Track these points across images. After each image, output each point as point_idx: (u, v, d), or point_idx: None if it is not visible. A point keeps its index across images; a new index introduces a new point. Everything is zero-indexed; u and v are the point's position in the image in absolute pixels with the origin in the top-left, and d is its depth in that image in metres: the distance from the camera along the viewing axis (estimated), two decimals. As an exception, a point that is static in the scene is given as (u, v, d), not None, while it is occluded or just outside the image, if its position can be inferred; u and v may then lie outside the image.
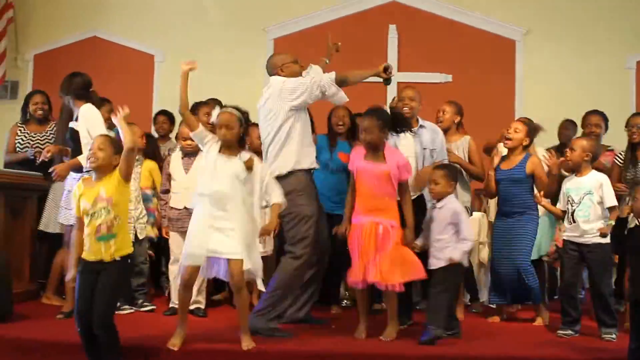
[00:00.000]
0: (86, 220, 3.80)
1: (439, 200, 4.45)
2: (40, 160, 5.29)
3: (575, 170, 4.69)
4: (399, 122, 4.47)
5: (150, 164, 5.55)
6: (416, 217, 4.48)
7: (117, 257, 3.77)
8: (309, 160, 4.65)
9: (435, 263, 4.36)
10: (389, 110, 4.58)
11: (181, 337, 4.06)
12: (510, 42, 7.98)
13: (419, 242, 4.47)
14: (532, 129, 5.03)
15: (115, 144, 3.88)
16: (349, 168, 4.55)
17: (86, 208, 3.79)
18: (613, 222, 4.55)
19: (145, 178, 5.48)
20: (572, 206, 4.63)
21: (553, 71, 7.79)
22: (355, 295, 4.66)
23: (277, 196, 4.22)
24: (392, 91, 7.84)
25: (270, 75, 4.77)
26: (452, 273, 4.36)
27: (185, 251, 4.13)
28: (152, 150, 5.73)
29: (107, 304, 3.79)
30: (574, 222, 4.61)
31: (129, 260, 3.93)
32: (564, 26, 7.90)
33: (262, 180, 4.21)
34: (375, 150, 4.38)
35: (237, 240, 4.03)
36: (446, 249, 4.34)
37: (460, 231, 4.35)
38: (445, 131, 5.36)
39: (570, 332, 4.62)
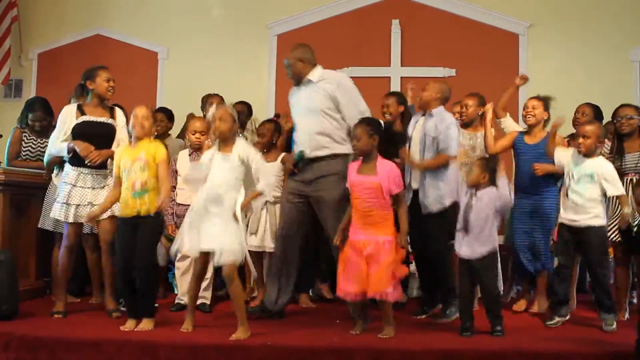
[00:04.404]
0: (124, 176, 4.45)
1: (475, 189, 4.44)
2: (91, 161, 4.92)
3: (587, 155, 4.70)
4: (392, 135, 4.50)
5: None
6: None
7: (151, 213, 4.37)
8: None
9: (473, 252, 4.39)
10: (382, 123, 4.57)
11: (191, 322, 4.38)
12: (514, 35, 7.94)
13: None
14: (548, 102, 5.19)
15: (154, 117, 4.69)
16: (346, 185, 4.49)
17: (126, 165, 4.43)
18: (628, 211, 4.59)
19: None
20: (569, 180, 4.67)
21: (556, 65, 7.75)
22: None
23: (260, 185, 4.37)
24: (395, 86, 7.87)
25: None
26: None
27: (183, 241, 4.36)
28: None
29: (147, 251, 4.44)
30: (567, 198, 4.66)
31: (161, 216, 4.57)
32: (567, 20, 7.86)
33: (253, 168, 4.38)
34: (367, 159, 4.36)
35: (224, 233, 4.19)
36: (490, 239, 4.40)
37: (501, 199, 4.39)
38: (470, 124, 5.49)
39: (557, 318, 4.68)
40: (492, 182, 4.47)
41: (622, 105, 5.37)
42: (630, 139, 5.18)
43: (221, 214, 4.22)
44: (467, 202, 4.46)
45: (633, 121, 5.18)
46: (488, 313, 4.44)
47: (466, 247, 4.42)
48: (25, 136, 5.83)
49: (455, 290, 4.76)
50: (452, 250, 4.58)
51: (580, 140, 4.69)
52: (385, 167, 4.32)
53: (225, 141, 4.37)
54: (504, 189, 4.39)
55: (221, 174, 4.29)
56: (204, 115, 5.87)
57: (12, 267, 4.70)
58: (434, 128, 4.86)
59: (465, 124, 5.51)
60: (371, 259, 4.22)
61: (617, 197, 4.69)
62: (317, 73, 4.87)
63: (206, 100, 6.09)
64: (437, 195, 4.80)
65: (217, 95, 6.11)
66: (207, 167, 4.34)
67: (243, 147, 4.39)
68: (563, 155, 4.78)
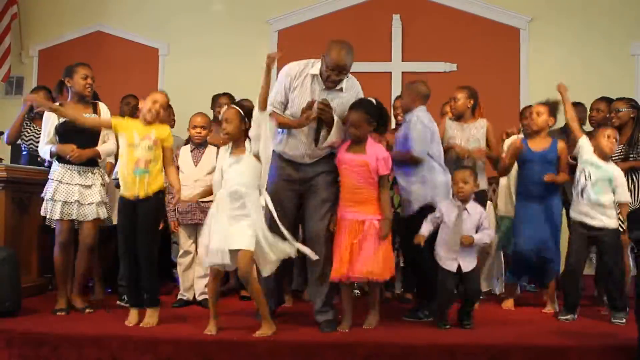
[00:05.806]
0: (129, 151, 4.34)
1: (465, 200, 4.46)
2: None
3: (605, 157, 4.74)
4: (382, 117, 4.44)
5: None
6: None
7: (150, 193, 4.31)
8: None
9: (468, 265, 4.44)
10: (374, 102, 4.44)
11: (215, 324, 4.19)
12: (515, 30, 7.95)
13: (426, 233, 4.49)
14: (553, 108, 5.10)
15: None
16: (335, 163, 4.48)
17: (133, 140, 4.33)
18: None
19: None
20: (585, 181, 4.69)
21: (558, 59, 7.75)
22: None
23: None
24: (397, 81, 7.87)
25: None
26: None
27: (209, 249, 4.17)
28: None
29: (148, 234, 4.35)
30: (582, 197, 4.69)
31: (161, 195, 4.45)
32: (568, 14, 7.87)
33: None
34: (359, 143, 4.35)
35: (245, 231, 4.09)
36: (473, 250, 4.49)
37: (482, 225, 4.47)
38: (460, 117, 5.44)
39: (570, 316, 4.71)
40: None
41: (617, 99, 5.42)
42: (621, 131, 5.22)
43: (242, 216, 4.11)
44: (457, 216, 4.45)
45: (622, 114, 5.29)
46: (464, 307, 4.48)
47: (454, 262, 4.44)
48: (26, 122, 5.91)
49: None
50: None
51: (612, 142, 4.72)
52: (374, 148, 4.34)
53: (237, 142, 4.25)
54: (489, 230, 4.54)
55: (239, 177, 4.14)
56: (214, 115, 5.87)
57: (15, 263, 4.70)
58: (403, 130, 4.89)
59: (456, 117, 5.49)
60: (362, 240, 4.25)
61: (621, 203, 4.74)
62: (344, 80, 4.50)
63: (216, 100, 6.10)
64: (405, 200, 4.80)
65: (227, 94, 6.11)
66: (222, 172, 4.21)
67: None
68: (585, 147, 4.78)
